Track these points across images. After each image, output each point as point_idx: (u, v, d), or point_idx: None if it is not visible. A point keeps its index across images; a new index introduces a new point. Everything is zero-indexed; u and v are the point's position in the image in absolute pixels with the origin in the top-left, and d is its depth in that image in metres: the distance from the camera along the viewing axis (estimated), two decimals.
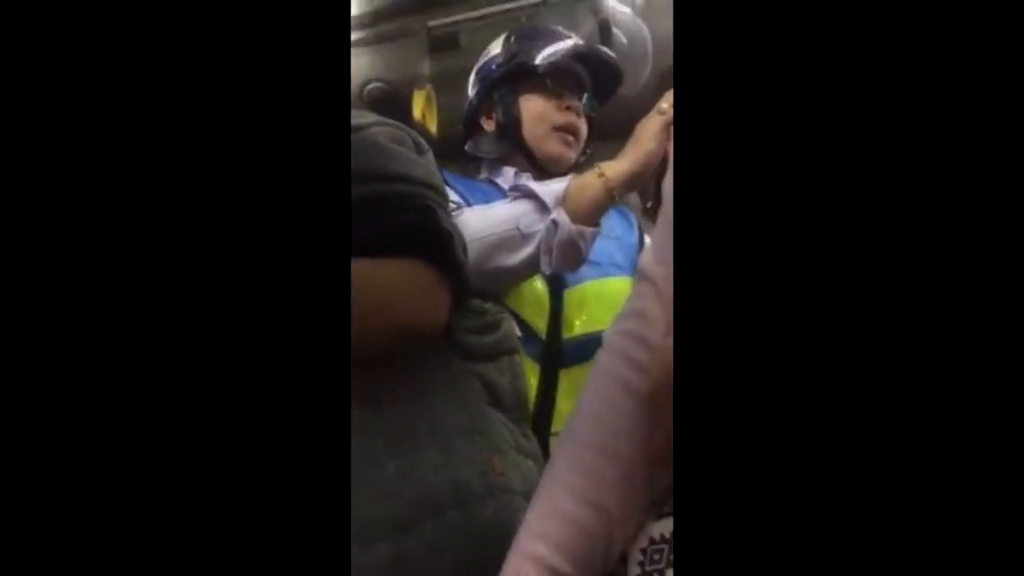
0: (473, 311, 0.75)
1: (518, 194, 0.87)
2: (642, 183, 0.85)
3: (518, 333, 0.82)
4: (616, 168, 0.82)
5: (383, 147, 0.69)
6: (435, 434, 0.65)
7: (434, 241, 0.65)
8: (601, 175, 0.82)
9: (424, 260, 0.64)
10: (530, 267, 0.83)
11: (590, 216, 0.82)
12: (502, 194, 0.95)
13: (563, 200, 0.82)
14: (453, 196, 0.87)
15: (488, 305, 0.78)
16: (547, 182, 0.88)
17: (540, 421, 0.86)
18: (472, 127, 1.09)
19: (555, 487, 0.47)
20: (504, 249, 0.81)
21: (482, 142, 1.07)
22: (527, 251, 0.81)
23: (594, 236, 0.83)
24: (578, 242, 0.81)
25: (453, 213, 0.77)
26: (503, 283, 0.87)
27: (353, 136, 0.69)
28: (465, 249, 0.69)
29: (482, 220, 0.83)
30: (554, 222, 0.81)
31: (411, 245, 0.63)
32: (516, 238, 0.81)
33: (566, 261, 0.83)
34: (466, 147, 1.10)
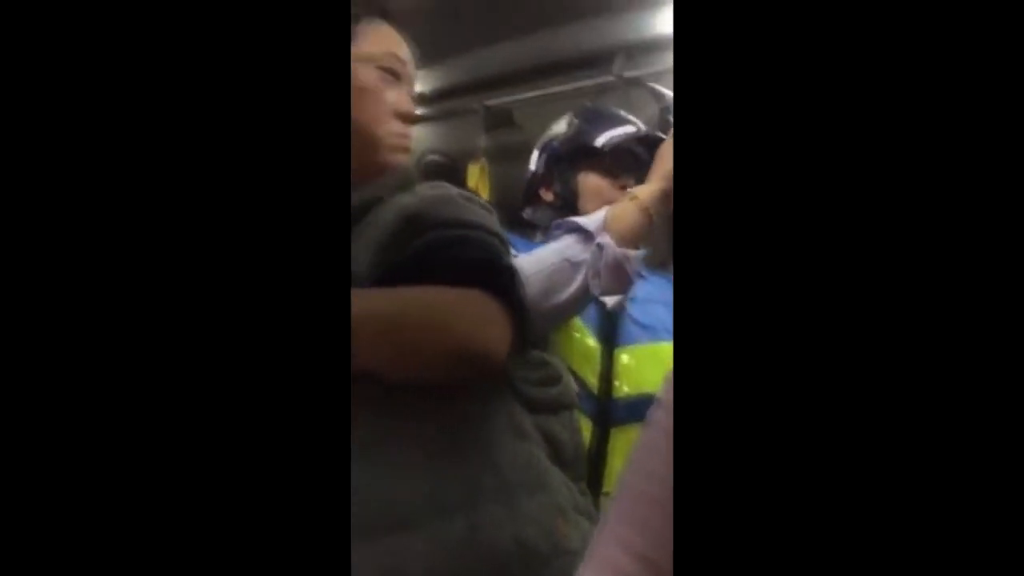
0: (534, 363, 0.76)
1: (561, 231, 0.90)
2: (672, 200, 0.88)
3: (576, 388, 0.83)
4: (647, 190, 0.87)
5: (455, 200, 0.74)
6: (501, 489, 0.64)
7: (496, 276, 0.67)
8: (634, 198, 0.86)
9: (487, 291, 0.65)
10: (582, 297, 0.85)
11: (633, 239, 0.85)
12: None
13: (605, 226, 0.86)
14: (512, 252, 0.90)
15: (547, 356, 0.79)
16: (588, 216, 0.91)
17: (592, 480, 0.85)
18: (531, 196, 1.15)
19: (605, 540, 0.47)
20: (557, 284, 0.83)
21: (540, 211, 1.12)
22: (577, 282, 0.84)
23: (639, 260, 0.86)
24: (624, 264, 0.83)
25: None
26: (561, 321, 0.89)
27: (429, 194, 0.74)
28: (524, 288, 0.70)
29: (533, 260, 0.85)
30: (599, 246, 0.84)
31: (475, 278, 0.65)
32: (566, 269, 0.84)
33: (614, 283, 0.85)
34: (524, 214, 1.14)
